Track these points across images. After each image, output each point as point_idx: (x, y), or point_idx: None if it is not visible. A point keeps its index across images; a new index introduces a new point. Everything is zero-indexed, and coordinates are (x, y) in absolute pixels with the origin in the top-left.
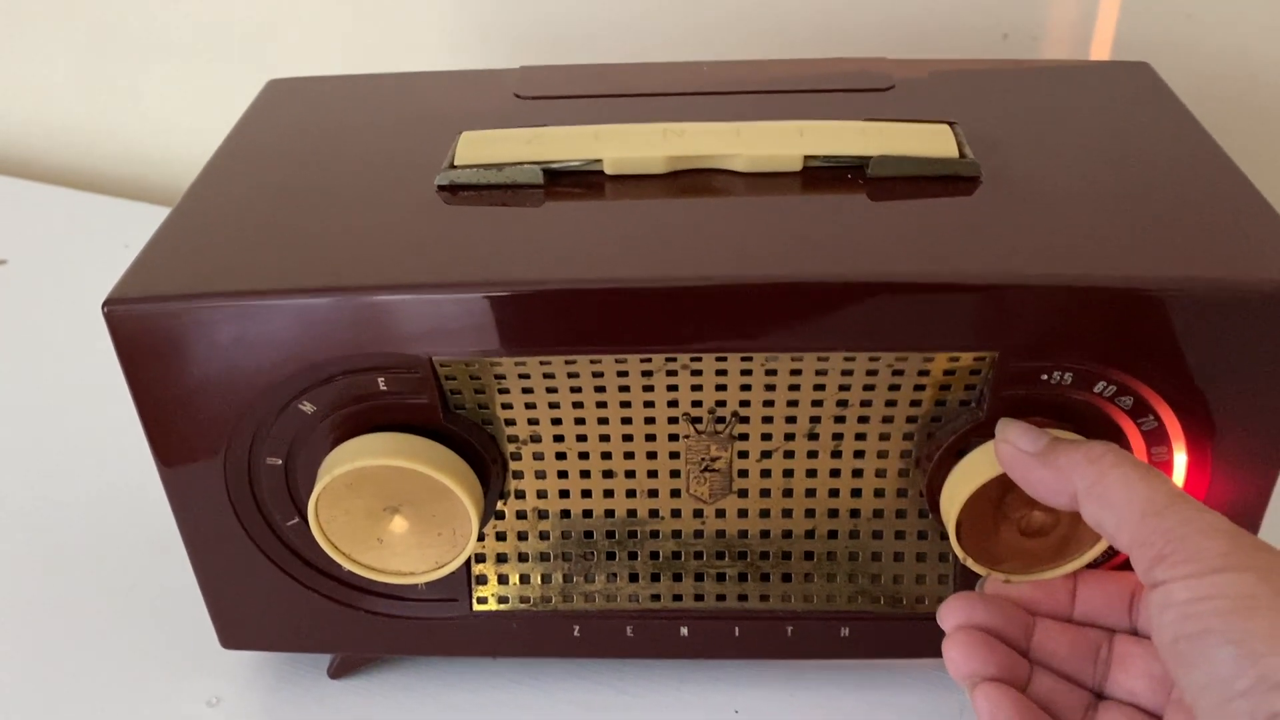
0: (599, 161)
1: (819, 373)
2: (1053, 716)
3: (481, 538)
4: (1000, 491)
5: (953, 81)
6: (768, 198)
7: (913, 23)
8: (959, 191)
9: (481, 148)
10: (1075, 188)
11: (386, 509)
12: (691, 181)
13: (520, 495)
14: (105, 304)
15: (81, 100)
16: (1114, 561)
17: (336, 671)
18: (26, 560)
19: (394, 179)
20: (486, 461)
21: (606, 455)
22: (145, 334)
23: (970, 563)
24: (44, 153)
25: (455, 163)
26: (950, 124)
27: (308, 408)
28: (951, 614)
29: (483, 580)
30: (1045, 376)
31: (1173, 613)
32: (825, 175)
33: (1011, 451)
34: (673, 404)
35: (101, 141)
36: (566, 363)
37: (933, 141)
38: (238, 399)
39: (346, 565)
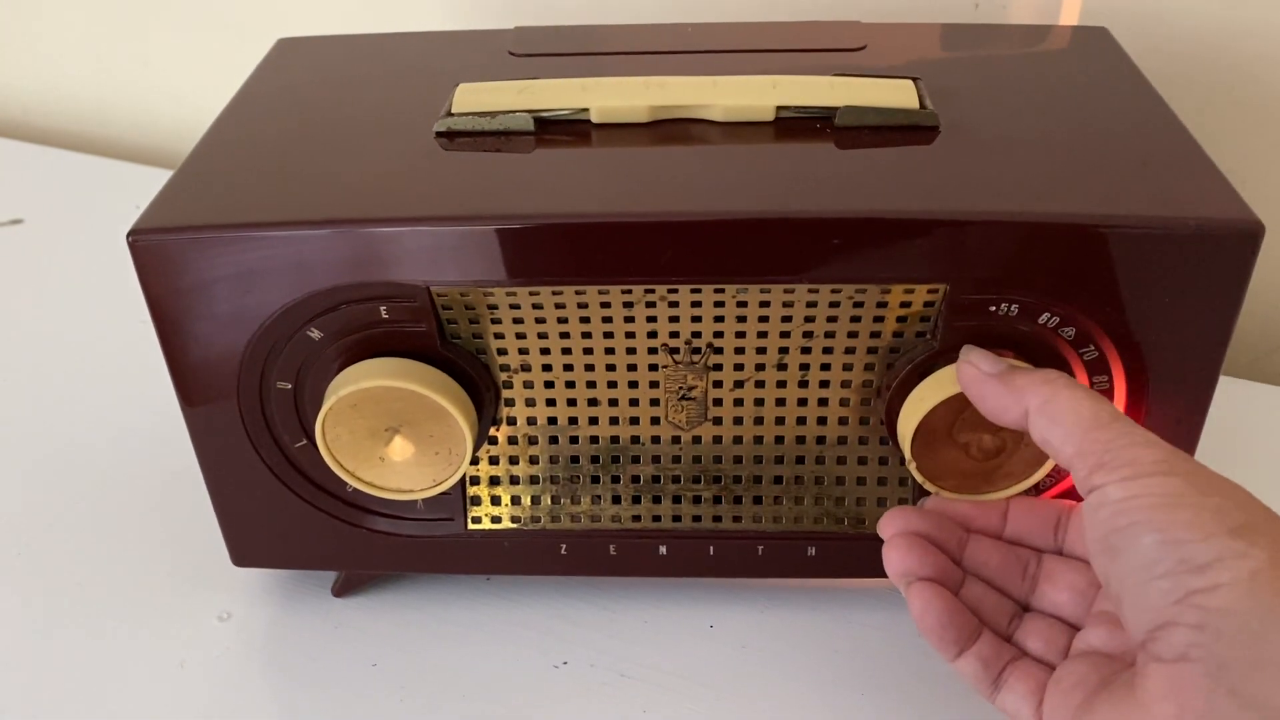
0: (586, 111)
1: (785, 305)
2: (980, 620)
3: (475, 461)
4: (951, 416)
5: (920, 43)
6: (742, 144)
7: None
8: (919, 140)
9: (477, 97)
10: (1025, 137)
11: (387, 429)
12: (672, 130)
13: (512, 421)
14: (130, 234)
15: (94, 68)
16: (1046, 495)
17: (340, 590)
18: (54, 492)
19: (396, 126)
20: (480, 388)
21: (591, 384)
22: (166, 263)
23: (914, 470)
24: (58, 118)
25: (452, 111)
26: (913, 79)
27: (315, 334)
28: (891, 522)
29: (476, 501)
30: (993, 308)
31: (1107, 510)
32: (795, 124)
33: (972, 372)
34: (652, 335)
35: (113, 107)
36: (554, 294)
37: (896, 94)
38: (251, 325)
39: (350, 482)
